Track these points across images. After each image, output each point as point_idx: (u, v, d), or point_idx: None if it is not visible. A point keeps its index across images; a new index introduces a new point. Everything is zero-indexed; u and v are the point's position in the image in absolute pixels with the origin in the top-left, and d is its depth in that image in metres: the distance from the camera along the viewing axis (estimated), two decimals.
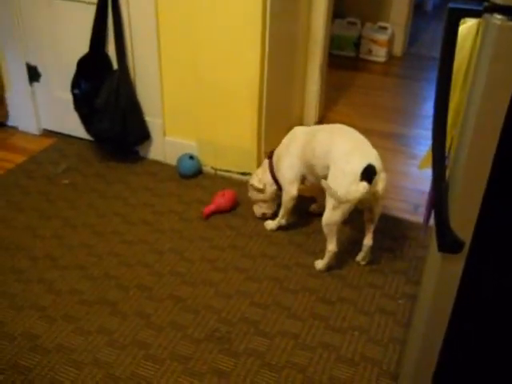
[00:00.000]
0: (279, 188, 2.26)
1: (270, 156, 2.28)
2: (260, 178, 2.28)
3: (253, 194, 2.33)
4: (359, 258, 2.13)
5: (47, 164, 2.78)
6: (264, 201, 2.32)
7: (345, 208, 1.93)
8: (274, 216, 2.33)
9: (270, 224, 2.31)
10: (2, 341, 1.76)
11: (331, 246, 2.04)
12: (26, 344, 1.76)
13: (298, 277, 2.07)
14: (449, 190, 1.09)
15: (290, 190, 2.18)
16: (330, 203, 1.95)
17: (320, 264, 2.10)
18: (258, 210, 2.36)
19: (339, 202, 1.90)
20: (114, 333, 1.81)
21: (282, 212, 2.27)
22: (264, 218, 2.35)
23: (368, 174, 1.87)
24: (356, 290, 2.01)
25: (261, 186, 2.26)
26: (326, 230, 2.02)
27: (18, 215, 2.38)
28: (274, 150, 2.26)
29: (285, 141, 2.22)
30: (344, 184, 1.88)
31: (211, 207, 2.38)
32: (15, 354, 1.72)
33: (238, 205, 2.45)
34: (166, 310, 1.91)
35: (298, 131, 2.21)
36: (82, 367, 1.68)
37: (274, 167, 2.24)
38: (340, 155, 1.95)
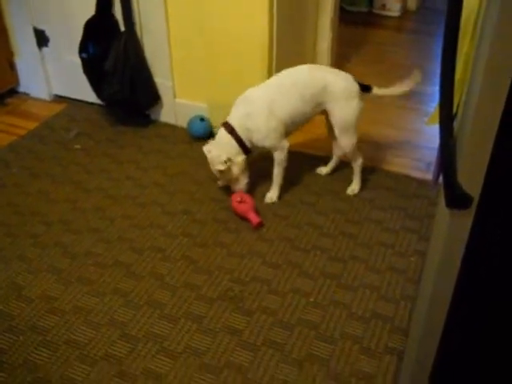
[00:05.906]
0: (245, 152, 2.17)
1: (230, 128, 2.12)
2: (223, 156, 2.11)
3: (222, 176, 2.21)
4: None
5: (59, 129, 2.79)
6: (235, 177, 2.21)
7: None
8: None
9: (272, 196, 2.25)
10: (20, 303, 1.81)
11: (360, 159, 2.26)
12: (43, 306, 1.80)
13: (310, 236, 2.08)
14: (457, 145, 1.07)
15: (285, 144, 2.16)
16: (348, 131, 2.15)
17: (356, 188, 2.30)
18: (233, 185, 2.26)
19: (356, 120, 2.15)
20: (129, 294, 1.84)
21: (279, 174, 2.22)
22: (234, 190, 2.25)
23: (364, 86, 2.17)
24: (367, 248, 2.02)
25: (225, 166, 2.13)
26: (352, 152, 2.22)
27: (31, 181, 2.41)
28: (226, 120, 2.14)
29: (250, 107, 2.10)
30: (356, 104, 2.13)
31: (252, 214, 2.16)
32: (33, 315, 1.77)
33: None
34: (179, 270, 1.93)
35: (260, 93, 2.12)
36: (98, 327, 1.72)
37: (243, 136, 2.12)
38: (336, 83, 2.11)
